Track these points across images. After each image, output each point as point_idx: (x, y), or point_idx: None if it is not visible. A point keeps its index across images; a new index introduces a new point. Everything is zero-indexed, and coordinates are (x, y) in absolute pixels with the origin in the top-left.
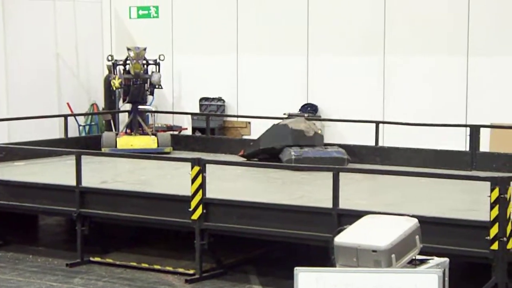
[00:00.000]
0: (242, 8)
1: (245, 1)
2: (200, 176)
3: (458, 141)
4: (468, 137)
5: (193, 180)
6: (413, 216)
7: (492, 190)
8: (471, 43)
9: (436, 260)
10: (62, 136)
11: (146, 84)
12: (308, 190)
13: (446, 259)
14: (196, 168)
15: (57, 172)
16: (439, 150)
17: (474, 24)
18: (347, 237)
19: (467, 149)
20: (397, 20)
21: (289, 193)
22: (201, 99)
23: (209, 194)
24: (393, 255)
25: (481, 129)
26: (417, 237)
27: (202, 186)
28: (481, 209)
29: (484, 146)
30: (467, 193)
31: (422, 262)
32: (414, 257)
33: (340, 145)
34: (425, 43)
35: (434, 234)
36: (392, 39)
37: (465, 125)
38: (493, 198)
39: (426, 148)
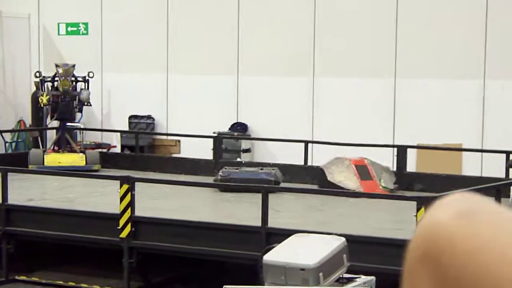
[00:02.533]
0: (172, 26)
1: (176, 20)
2: (129, 194)
3: (386, 161)
4: (395, 157)
5: (122, 198)
6: (340, 235)
7: (418, 209)
8: (398, 65)
9: (363, 278)
10: None
11: (74, 101)
12: (237, 208)
13: (373, 278)
14: (125, 186)
15: None
16: None
17: (401, 47)
18: (275, 255)
19: (394, 169)
20: (326, 41)
21: (218, 211)
22: (131, 117)
23: (138, 212)
24: (320, 274)
25: (408, 149)
26: (344, 255)
27: (131, 204)
28: (407, 228)
29: (411, 166)
30: (393, 212)
31: (350, 280)
32: (341, 276)
33: (269, 164)
34: (354, 64)
35: (361, 252)
36: (321, 59)
37: (393, 146)
38: (419, 217)
39: None
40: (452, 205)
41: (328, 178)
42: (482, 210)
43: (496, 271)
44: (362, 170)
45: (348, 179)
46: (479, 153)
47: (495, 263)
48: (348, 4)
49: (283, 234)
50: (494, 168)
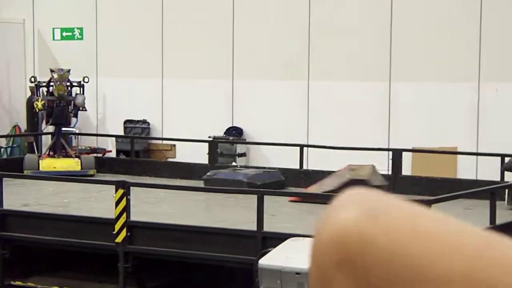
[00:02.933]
0: (167, 30)
1: (170, 24)
2: (124, 198)
3: (381, 165)
4: (390, 161)
5: (117, 203)
6: None
7: None
8: (393, 69)
9: None
10: None
11: (70, 106)
12: (232, 212)
13: None
14: (120, 191)
15: None
16: None
17: (396, 51)
18: (271, 259)
19: (389, 172)
20: (321, 45)
21: (213, 216)
22: (126, 122)
23: (134, 217)
24: None
25: (403, 153)
26: None
27: (126, 208)
28: None
29: (406, 170)
30: None
31: None
32: None
33: (265, 168)
34: (348, 68)
35: None
36: (316, 63)
37: (388, 149)
38: None
39: None
40: (355, 204)
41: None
42: (385, 206)
43: (426, 266)
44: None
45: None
46: (474, 156)
47: (421, 258)
48: (343, 8)
49: (279, 238)
50: (489, 171)
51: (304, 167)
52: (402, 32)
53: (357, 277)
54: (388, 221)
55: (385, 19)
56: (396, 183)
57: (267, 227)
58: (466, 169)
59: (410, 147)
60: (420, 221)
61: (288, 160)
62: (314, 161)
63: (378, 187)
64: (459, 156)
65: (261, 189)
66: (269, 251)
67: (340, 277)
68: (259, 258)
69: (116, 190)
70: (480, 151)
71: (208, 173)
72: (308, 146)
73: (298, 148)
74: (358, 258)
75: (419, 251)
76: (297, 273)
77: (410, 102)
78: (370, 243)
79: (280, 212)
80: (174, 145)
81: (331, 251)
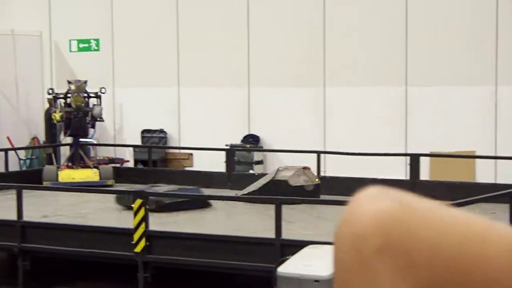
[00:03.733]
0: (182, 40)
1: (186, 33)
2: (143, 208)
3: (398, 170)
4: (408, 166)
5: (135, 213)
6: None
7: None
8: (409, 73)
9: None
10: (3, 170)
11: (87, 117)
12: (251, 220)
13: None
14: (139, 201)
15: None
16: (381, 179)
17: (412, 55)
18: (289, 267)
19: (407, 177)
20: (336, 51)
21: (232, 224)
22: (143, 131)
23: (152, 227)
24: None
25: (421, 158)
26: None
27: (145, 218)
28: None
29: (424, 174)
30: None
31: None
32: None
33: None
34: (365, 73)
35: None
36: (331, 69)
37: (406, 154)
38: None
39: (368, 177)
40: (386, 196)
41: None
42: (411, 198)
43: (471, 251)
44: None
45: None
46: (492, 160)
47: (466, 244)
48: (358, 13)
49: (297, 246)
50: (508, 174)
51: (322, 174)
52: (418, 36)
53: (398, 261)
54: (421, 210)
55: (400, 23)
56: (414, 188)
57: (285, 235)
58: (484, 172)
59: (428, 152)
60: (448, 213)
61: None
62: (332, 168)
63: (299, 187)
64: (477, 160)
65: (279, 197)
66: (287, 258)
67: (381, 261)
68: (277, 266)
69: (134, 200)
70: (498, 154)
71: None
72: (325, 152)
73: (315, 154)
74: (399, 244)
75: (457, 240)
76: (316, 281)
77: (427, 106)
78: (411, 230)
79: (297, 219)
80: (191, 154)
81: (372, 236)
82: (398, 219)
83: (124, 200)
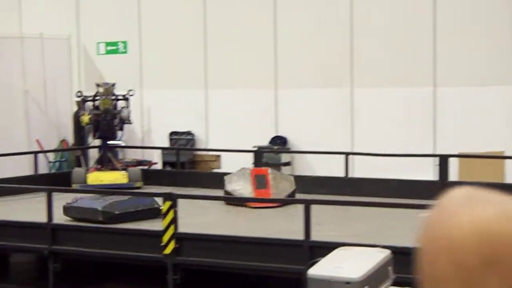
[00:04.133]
0: (210, 42)
1: (214, 35)
2: (172, 210)
3: (427, 171)
4: (437, 167)
5: (164, 215)
6: (385, 247)
7: None
8: (437, 74)
9: None
10: (32, 172)
11: (115, 120)
12: (279, 222)
13: None
14: (168, 203)
15: (27, 209)
16: (409, 180)
17: (440, 56)
18: (320, 269)
19: (436, 178)
20: (363, 52)
21: (260, 225)
22: (171, 133)
23: (181, 229)
24: (366, 287)
25: (450, 158)
26: (389, 268)
27: (174, 220)
28: None
29: (453, 175)
30: None
31: None
32: None
33: (310, 177)
34: (392, 75)
35: (406, 264)
36: (359, 71)
37: (435, 155)
38: None
39: (396, 178)
40: (477, 201)
41: (226, 188)
42: (505, 202)
43: None
44: (260, 179)
45: (243, 188)
46: None
47: None
48: (385, 14)
49: (326, 247)
50: None
51: (350, 175)
52: (446, 36)
53: (507, 276)
54: None
55: (428, 23)
56: (443, 189)
57: (314, 236)
58: None
59: (457, 152)
60: None
61: (333, 168)
62: (360, 169)
63: None
64: (506, 160)
65: (308, 199)
66: (318, 260)
67: (489, 275)
68: (308, 268)
69: (164, 202)
70: None
71: (69, 201)
72: (353, 153)
73: (343, 156)
74: (506, 255)
75: None
76: (347, 283)
77: (456, 106)
78: None
79: (327, 221)
80: (219, 156)
81: (477, 250)
82: (504, 233)
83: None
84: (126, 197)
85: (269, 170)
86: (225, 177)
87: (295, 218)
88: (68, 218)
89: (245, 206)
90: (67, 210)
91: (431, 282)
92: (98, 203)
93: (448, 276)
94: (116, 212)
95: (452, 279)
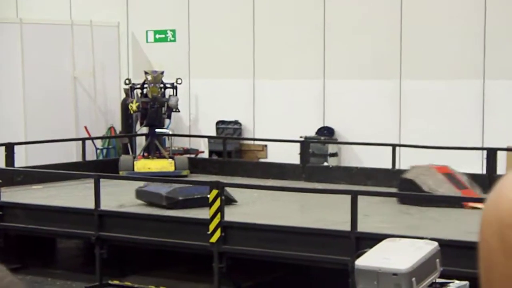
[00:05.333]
0: (258, 31)
1: (262, 24)
2: (219, 199)
3: (474, 164)
4: (485, 160)
5: (211, 203)
6: (432, 239)
7: None
8: (487, 66)
9: (457, 283)
10: (80, 159)
11: (163, 108)
12: (326, 213)
13: (466, 283)
14: (215, 191)
15: (75, 195)
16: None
17: (490, 48)
18: (367, 260)
19: (484, 172)
20: (413, 44)
21: (307, 215)
22: (218, 122)
23: (227, 217)
24: (413, 279)
25: (498, 152)
26: (437, 260)
27: (221, 209)
28: None
29: (501, 169)
30: None
31: (443, 285)
32: (434, 281)
33: (357, 168)
34: (441, 66)
35: (453, 257)
36: (408, 63)
37: (482, 148)
38: None
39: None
40: None
41: (423, 188)
42: None
43: None
44: (452, 178)
45: (445, 189)
46: None
47: None
48: (435, 6)
49: (372, 239)
50: None
51: (397, 167)
52: (497, 28)
53: None
54: None
55: (479, 14)
56: (490, 182)
57: (361, 227)
58: None
59: (505, 146)
60: None
61: (380, 159)
62: (407, 161)
63: None
64: None
65: (355, 190)
66: (365, 251)
67: None
68: (355, 259)
69: (211, 191)
70: None
71: (141, 185)
72: (400, 145)
73: (391, 147)
74: None
75: None
76: (394, 274)
77: (505, 99)
78: None
79: (374, 213)
80: (266, 146)
81: None
82: None
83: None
84: (188, 186)
85: (449, 167)
86: (412, 178)
87: (344, 210)
88: (139, 202)
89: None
90: (138, 193)
91: (482, 251)
92: (164, 188)
93: (492, 249)
94: (180, 198)
95: (495, 252)
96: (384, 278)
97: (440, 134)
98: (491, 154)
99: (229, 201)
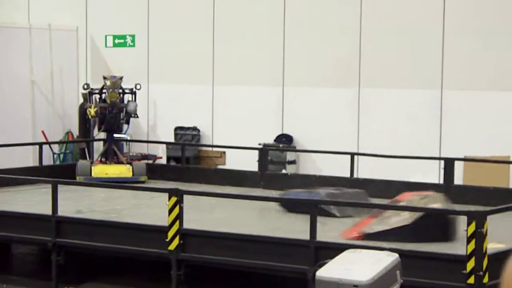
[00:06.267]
0: (218, 38)
1: (221, 31)
2: (178, 206)
3: (431, 174)
4: (442, 170)
5: (170, 211)
6: (391, 249)
7: (469, 224)
8: (445, 77)
9: None
10: (37, 164)
11: (122, 113)
12: (286, 221)
13: None
14: (174, 199)
15: (30, 200)
16: (414, 182)
17: (448, 59)
18: (328, 271)
19: (441, 181)
20: (372, 54)
21: (266, 223)
22: (176, 128)
23: (186, 225)
24: None
25: (455, 162)
26: (397, 272)
27: (179, 216)
28: (457, 242)
29: (458, 179)
30: None
31: None
32: None
33: (316, 176)
34: (400, 76)
35: (412, 268)
36: (367, 72)
37: (440, 158)
38: (470, 232)
39: (401, 180)
40: None
41: None
42: None
43: None
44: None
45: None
46: None
47: None
48: (394, 15)
49: (331, 248)
50: None
51: (355, 175)
52: (455, 38)
53: None
54: None
55: (437, 26)
56: (448, 192)
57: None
58: None
59: (462, 156)
60: None
61: (339, 167)
62: (365, 170)
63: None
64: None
65: (314, 199)
66: (326, 262)
67: None
68: (316, 269)
69: (170, 198)
70: None
71: (282, 192)
72: (358, 154)
73: (349, 156)
74: None
75: None
76: (355, 286)
77: (462, 110)
78: None
79: (331, 221)
80: (224, 152)
81: None
82: None
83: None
84: (338, 190)
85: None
86: None
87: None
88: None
89: None
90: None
91: None
92: (318, 196)
93: None
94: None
95: None
96: None
97: (398, 143)
98: (449, 164)
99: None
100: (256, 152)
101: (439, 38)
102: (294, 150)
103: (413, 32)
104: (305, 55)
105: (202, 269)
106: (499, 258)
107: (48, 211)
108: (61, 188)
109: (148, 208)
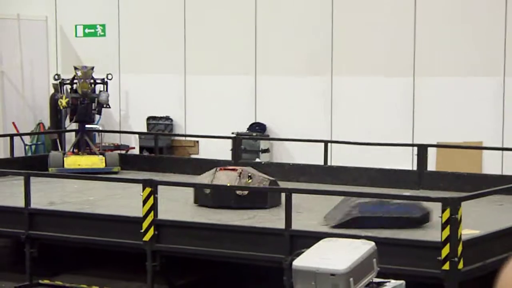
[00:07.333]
0: (189, 27)
1: (193, 20)
2: (152, 197)
3: (404, 161)
4: (415, 157)
5: (144, 202)
6: (368, 238)
7: (443, 210)
8: (417, 65)
9: (393, 283)
10: (8, 155)
11: (93, 104)
12: (261, 210)
13: (403, 282)
14: (148, 189)
15: (2, 192)
16: (387, 169)
17: (420, 46)
18: (305, 260)
19: (414, 168)
20: (345, 41)
21: (241, 213)
22: (149, 118)
23: (161, 215)
24: (351, 279)
25: (428, 148)
26: (374, 260)
27: (154, 207)
28: (431, 228)
29: (431, 165)
30: None
31: (379, 285)
32: (371, 280)
33: (290, 164)
34: (372, 64)
35: (387, 255)
36: (340, 59)
37: (413, 145)
38: (444, 219)
39: (375, 167)
40: None
41: None
42: None
43: None
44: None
45: None
46: (499, 151)
47: None
48: (366, 3)
49: (306, 236)
50: None
51: (329, 163)
52: (426, 26)
53: None
54: None
55: (409, 13)
56: (421, 178)
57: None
58: (491, 164)
59: (435, 142)
60: None
61: (312, 155)
62: (339, 157)
63: None
64: (484, 151)
65: (289, 187)
66: (303, 251)
67: None
68: (293, 259)
69: (144, 189)
70: (505, 145)
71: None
72: (332, 142)
73: (322, 144)
74: None
75: None
76: (332, 275)
77: (434, 96)
78: None
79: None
80: (197, 142)
81: None
82: None
83: None
84: (410, 204)
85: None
86: None
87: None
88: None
89: None
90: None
91: None
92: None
93: None
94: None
95: None
96: (322, 278)
97: (371, 131)
98: (422, 150)
99: None
100: (230, 141)
101: (411, 26)
102: (268, 138)
103: (385, 20)
104: (277, 43)
105: (177, 259)
106: (473, 244)
107: (20, 203)
108: (33, 180)
109: (122, 199)
